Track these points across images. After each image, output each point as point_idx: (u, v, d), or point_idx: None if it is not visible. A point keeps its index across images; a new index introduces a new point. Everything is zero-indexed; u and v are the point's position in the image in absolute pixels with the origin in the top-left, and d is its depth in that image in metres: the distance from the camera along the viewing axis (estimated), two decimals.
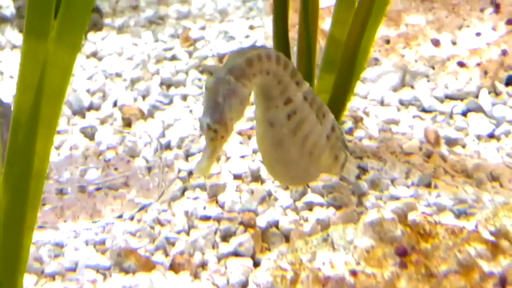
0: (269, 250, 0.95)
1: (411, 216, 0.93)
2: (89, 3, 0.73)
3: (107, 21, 1.82)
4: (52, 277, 0.89)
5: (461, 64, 1.39)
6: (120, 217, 1.02)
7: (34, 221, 0.77)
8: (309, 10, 1.16)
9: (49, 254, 0.92)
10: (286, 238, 0.97)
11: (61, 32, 0.73)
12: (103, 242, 0.95)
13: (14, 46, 1.67)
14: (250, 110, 1.17)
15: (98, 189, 1.07)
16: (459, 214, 0.99)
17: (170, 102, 1.41)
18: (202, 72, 1.53)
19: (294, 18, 1.30)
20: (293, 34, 1.24)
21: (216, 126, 0.80)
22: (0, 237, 0.74)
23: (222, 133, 0.80)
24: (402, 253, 0.81)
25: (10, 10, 1.87)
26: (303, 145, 0.91)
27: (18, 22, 1.74)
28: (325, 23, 1.43)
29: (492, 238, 0.80)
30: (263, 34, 1.61)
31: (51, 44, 0.72)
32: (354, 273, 0.79)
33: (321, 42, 1.36)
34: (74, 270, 0.90)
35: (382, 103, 1.34)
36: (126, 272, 0.89)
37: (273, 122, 0.89)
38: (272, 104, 0.88)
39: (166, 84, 1.48)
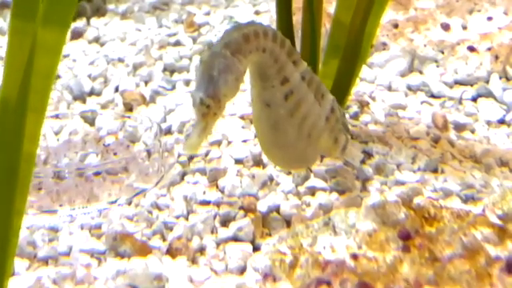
0: (269, 235, 0.92)
1: (416, 201, 0.91)
2: None
3: (110, 6, 1.79)
4: (45, 261, 0.86)
5: (471, 49, 1.35)
6: (115, 202, 1.00)
7: (24, 205, 0.74)
8: None
9: (42, 239, 0.90)
10: (288, 222, 0.94)
11: (49, 12, 0.70)
12: (99, 227, 0.93)
13: None
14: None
15: (96, 173, 1.04)
16: (466, 200, 0.95)
17: (173, 88, 1.38)
18: None
19: (298, 1, 1.27)
20: (297, 18, 1.21)
21: (209, 100, 0.77)
22: None
23: (215, 109, 0.77)
24: (405, 236, 0.78)
25: None
26: (301, 126, 0.88)
27: None
28: (332, 7, 1.39)
29: (499, 222, 0.77)
30: (269, 18, 1.58)
31: (39, 24, 0.70)
32: (354, 256, 0.76)
33: (327, 26, 1.33)
34: (67, 254, 0.88)
35: (389, 88, 1.31)
36: (122, 256, 0.87)
37: (269, 102, 0.85)
38: (268, 84, 0.85)
39: (170, 70, 1.46)
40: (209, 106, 0.77)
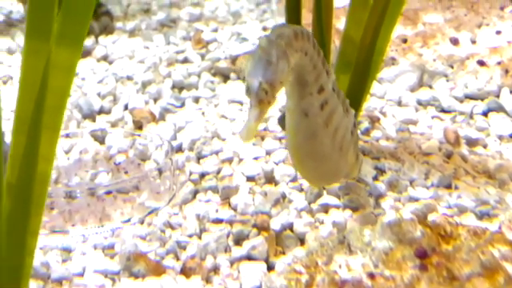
0: (283, 253, 0.92)
1: (431, 217, 0.90)
2: (89, 4, 0.71)
3: (118, 24, 1.80)
4: (59, 282, 0.86)
5: (481, 63, 1.35)
6: (128, 221, 0.99)
7: (38, 226, 0.74)
8: (322, 8, 1.13)
9: (56, 259, 0.89)
10: (301, 240, 0.93)
11: (62, 32, 0.71)
12: (112, 247, 0.93)
13: None
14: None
15: (107, 192, 1.04)
16: (481, 216, 0.94)
17: (182, 105, 1.38)
18: (214, 74, 1.50)
19: (307, 17, 1.27)
20: None
21: (267, 85, 0.74)
22: (3, 242, 0.71)
23: (270, 96, 0.74)
24: (422, 255, 0.77)
25: (19, 14, 1.86)
26: (334, 138, 0.86)
27: None
28: (340, 23, 1.40)
29: None
30: None
31: (53, 44, 0.70)
32: (371, 275, 0.76)
33: (336, 42, 1.33)
34: (81, 274, 0.87)
35: (399, 103, 1.31)
36: (136, 277, 0.86)
37: (307, 111, 0.83)
38: (307, 91, 0.83)
39: (178, 87, 1.46)
40: (266, 91, 0.74)
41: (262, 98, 0.74)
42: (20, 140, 0.71)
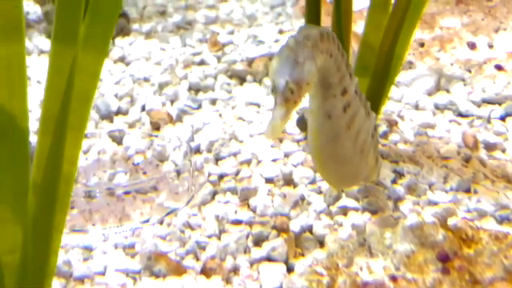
0: (302, 255, 0.92)
1: (451, 221, 0.90)
2: (115, 8, 0.72)
3: (135, 26, 1.81)
4: (81, 280, 0.86)
5: (498, 67, 1.35)
6: (147, 221, 1.00)
7: (63, 224, 0.75)
8: (341, 12, 1.13)
9: (77, 258, 0.90)
10: (320, 243, 0.94)
11: (88, 37, 0.71)
12: (133, 246, 0.93)
13: (41, 52, 1.67)
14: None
15: (126, 193, 1.05)
16: (501, 220, 0.94)
17: (199, 107, 1.39)
18: (230, 76, 1.51)
19: (326, 21, 1.28)
20: None
21: (293, 85, 0.73)
22: (29, 241, 0.72)
23: (296, 97, 0.74)
24: (444, 258, 0.77)
25: (36, 15, 1.87)
26: (356, 141, 0.86)
27: (45, 28, 1.74)
28: (357, 26, 1.40)
29: None
30: None
31: (79, 49, 0.71)
32: (393, 278, 0.76)
33: (353, 46, 1.33)
34: (103, 273, 0.88)
35: (416, 107, 1.31)
36: (157, 276, 0.87)
37: (330, 113, 0.83)
38: (330, 93, 0.83)
39: (195, 89, 1.46)
40: (292, 90, 0.74)
41: (288, 97, 0.74)
42: (45, 140, 0.72)
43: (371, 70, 1.12)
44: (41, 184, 0.72)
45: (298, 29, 0.80)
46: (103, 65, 0.74)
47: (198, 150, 1.19)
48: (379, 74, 1.09)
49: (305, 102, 0.86)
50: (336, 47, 0.83)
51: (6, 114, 0.69)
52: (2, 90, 0.67)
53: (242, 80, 1.50)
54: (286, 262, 0.90)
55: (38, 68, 1.57)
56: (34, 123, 1.17)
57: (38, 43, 1.69)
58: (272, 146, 1.15)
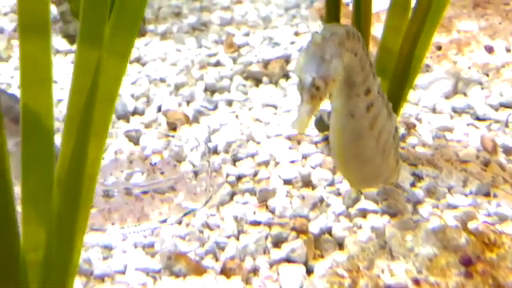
0: (322, 256, 0.92)
1: (471, 225, 0.90)
2: (139, 11, 0.72)
3: (150, 27, 1.81)
4: (101, 279, 0.87)
5: None
6: (166, 221, 1.00)
7: (86, 224, 0.75)
8: (361, 15, 1.13)
9: (97, 256, 0.90)
10: (340, 245, 0.93)
11: (113, 37, 0.72)
12: (152, 245, 0.93)
13: (57, 51, 1.67)
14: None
15: (144, 192, 1.05)
16: None
17: (215, 108, 1.39)
18: (246, 78, 1.51)
19: (344, 23, 1.28)
20: None
21: (320, 82, 0.73)
22: (53, 240, 0.72)
23: (322, 93, 0.73)
24: (467, 262, 0.77)
25: (52, 14, 1.88)
26: (378, 141, 0.86)
27: (61, 27, 1.75)
28: (374, 29, 1.40)
29: None
30: None
31: (104, 51, 0.71)
32: (416, 281, 0.76)
33: (371, 49, 1.33)
34: (123, 272, 0.88)
35: (434, 110, 1.30)
36: (177, 275, 0.87)
37: (353, 112, 0.83)
38: (354, 92, 0.83)
39: (210, 90, 1.46)
40: (318, 87, 0.73)
41: (314, 94, 0.74)
42: (70, 140, 0.72)
43: (390, 73, 1.12)
44: (65, 182, 0.72)
45: (322, 27, 0.80)
46: (127, 67, 0.74)
47: (215, 151, 1.19)
48: (398, 76, 1.09)
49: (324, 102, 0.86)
50: (361, 46, 0.83)
51: (31, 112, 0.70)
52: (28, 87, 0.68)
53: (257, 81, 1.50)
54: (306, 264, 0.90)
55: (54, 68, 1.57)
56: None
57: (54, 42, 1.69)
58: (290, 148, 1.15)
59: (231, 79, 1.50)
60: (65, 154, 0.72)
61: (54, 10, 1.88)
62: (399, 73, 1.09)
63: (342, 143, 0.86)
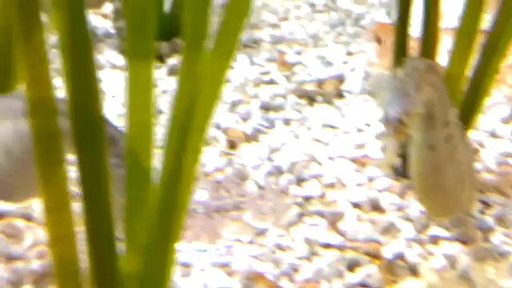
0: (395, 282, 0.93)
1: None
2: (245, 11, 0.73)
3: None
4: None
5: None
6: (238, 240, 1.01)
7: (178, 240, 0.77)
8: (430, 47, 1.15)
9: (178, 273, 0.91)
10: (412, 271, 0.94)
11: (216, 46, 0.72)
12: (228, 265, 0.95)
13: (113, 66, 1.70)
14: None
15: (213, 210, 1.07)
16: None
17: (272, 126, 1.40)
18: (300, 97, 1.52)
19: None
20: None
21: (405, 116, 0.76)
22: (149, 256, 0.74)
23: (406, 128, 0.77)
24: None
25: (104, 29, 1.91)
26: (457, 171, 0.88)
27: (118, 43, 1.77)
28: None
29: None
30: (365, 61, 1.59)
31: (208, 57, 0.72)
32: None
33: None
34: None
35: (493, 135, 1.31)
36: None
37: (434, 144, 0.85)
38: (433, 124, 0.85)
39: (265, 108, 1.48)
40: (404, 122, 0.76)
41: (400, 129, 0.76)
42: (168, 159, 0.74)
43: (456, 100, 1.13)
44: (163, 194, 0.74)
45: (405, 61, 0.83)
46: (224, 87, 0.76)
47: (279, 171, 1.20)
48: (468, 103, 1.10)
49: None
50: (440, 79, 0.84)
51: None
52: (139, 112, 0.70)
53: (311, 100, 1.51)
54: None
55: (111, 82, 1.60)
56: None
57: (109, 57, 1.72)
58: (356, 171, 1.16)
59: (285, 98, 1.51)
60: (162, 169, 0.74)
61: (105, 24, 1.91)
62: (469, 100, 1.10)
63: (423, 174, 0.88)
